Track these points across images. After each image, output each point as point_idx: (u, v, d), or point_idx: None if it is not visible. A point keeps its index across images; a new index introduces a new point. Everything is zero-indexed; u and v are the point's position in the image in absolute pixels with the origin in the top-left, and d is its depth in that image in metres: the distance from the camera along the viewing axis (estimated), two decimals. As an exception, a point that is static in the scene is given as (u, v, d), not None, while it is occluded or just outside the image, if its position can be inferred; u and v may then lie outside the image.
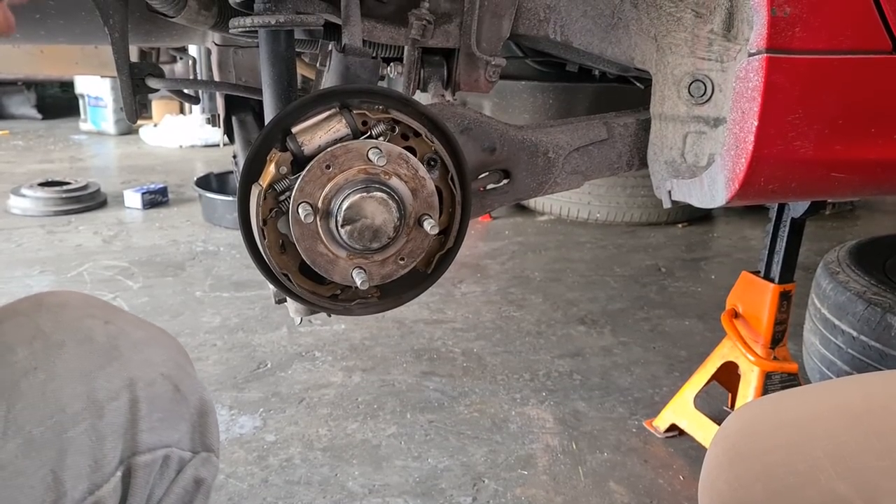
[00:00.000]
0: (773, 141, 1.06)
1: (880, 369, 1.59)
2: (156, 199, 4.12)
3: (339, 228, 0.98)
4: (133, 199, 4.05)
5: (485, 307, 2.54)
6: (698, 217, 3.83)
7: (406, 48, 1.32)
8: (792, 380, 1.49)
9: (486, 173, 1.30)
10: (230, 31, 1.27)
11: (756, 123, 1.04)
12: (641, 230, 3.54)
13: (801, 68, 1.02)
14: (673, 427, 1.67)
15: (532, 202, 3.76)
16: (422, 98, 1.32)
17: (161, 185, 4.23)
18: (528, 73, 1.63)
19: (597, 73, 1.64)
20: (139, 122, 6.35)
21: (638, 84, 1.64)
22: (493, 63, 1.32)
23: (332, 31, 1.29)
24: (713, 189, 1.16)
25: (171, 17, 1.26)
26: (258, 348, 2.14)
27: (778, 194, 1.29)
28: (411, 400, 1.85)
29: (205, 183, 3.93)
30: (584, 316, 2.48)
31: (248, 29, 1.12)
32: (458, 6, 1.28)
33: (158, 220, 3.78)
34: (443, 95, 1.44)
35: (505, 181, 1.33)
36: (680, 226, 3.67)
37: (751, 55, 1.03)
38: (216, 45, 1.66)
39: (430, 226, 1.02)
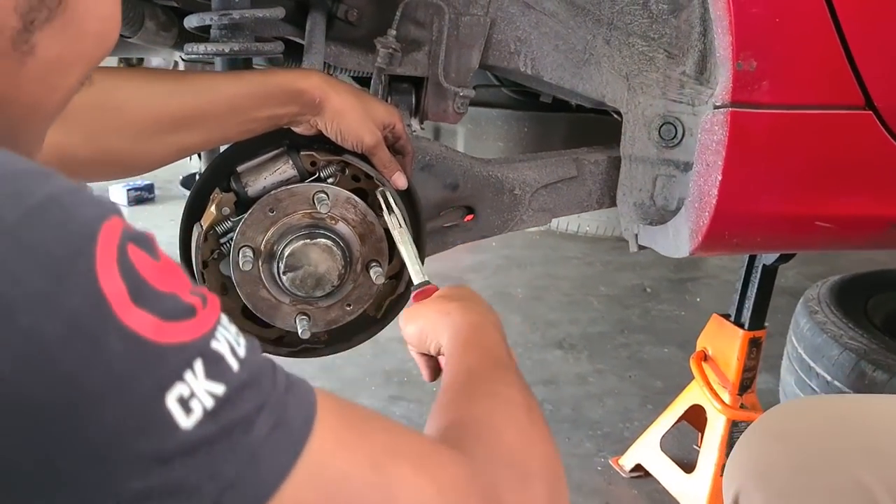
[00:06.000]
0: (737, 196, 1.02)
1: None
2: (142, 195, 4.09)
3: (282, 275, 0.94)
4: (118, 194, 4.01)
5: (462, 326, 2.51)
6: (689, 234, 3.78)
7: (373, 76, 1.28)
8: (759, 428, 1.46)
9: (449, 209, 1.26)
10: (184, 57, 1.22)
11: (720, 178, 1.00)
12: (630, 246, 3.49)
13: (769, 123, 0.99)
14: (639, 467, 1.64)
15: (522, 214, 3.72)
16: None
17: (147, 182, 4.19)
18: (503, 101, 1.59)
19: (573, 102, 1.61)
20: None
21: (615, 115, 1.61)
22: (461, 94, 1.29)
23: (298, 52, 1.25)
24: (677, 240, 1.12)
25: (127, 37, 1.22)
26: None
27: (743, 248, 1.26)
28: (376, 427, 1.81)
29: (190, 182, 3.89)
30: (562, 339, 2.45)
31: (202, 56, 1.08)
32: (427, 34, 1.24)
33: (142, 219, 3.74)
34: (409, 125, 1.40)
35: (468, 218, 1.29)
36: (670, 243, 3.63)
37: (716, 108, 0.99)
38: (183, 59, 1.63)
39: (377, 275, 0.98)
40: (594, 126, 1.56)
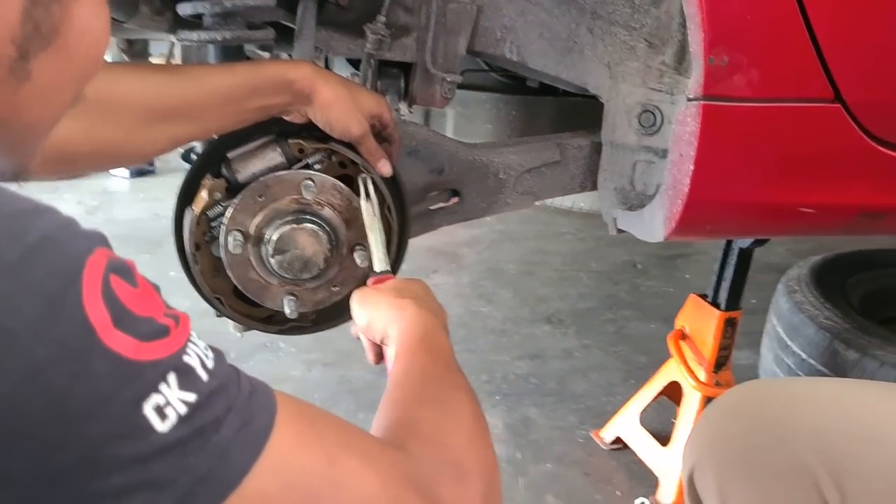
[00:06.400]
0: (709, 185, 1.06)
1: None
2: (143, 167, 4.11)
3: (270, 258, 0.99)
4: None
5: (454, 300, 2.56)
6: (682, 211, 3.81)
7: (362, 61, 1.32)
8: (732, 405, 1.51)
9: (435, 192, 1.30)
10: (178, 41, 1.25)
11: (692, 168, 1.04)
12: (623, 222, 3.52)
13: (740, 116, 1.02)
14: (618, 440, 1.70)
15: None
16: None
17: (147, 154, 4.21)
18: (492, 85, 1.63)
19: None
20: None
21: (601, 99, 1.64)
22: (448, 80, 1.32)
23: (290, 36, 1.28)
24: (652, 225, 1.16)
25: (121, 21, 1.25)
26: (224, 335, 2.13)
27: (716, 233, 1.30)
28: (367, 399, 1.87)
29: (189, 155, 3.91)
30: (551, 314, 2.50)
31: (195, 42, 1.11)
32: (415, 20, 1.27)
33: (143, 191, 3.77)
34: (398, 109, 1.44)
35: (454, 200, 1.33)
36: (662, 219, 3.65)
37: (689, 100, 1.03)
38: (178, 41, 1.65)
39: (361, 258, 1.02)
40: (580, 109, 1.59)
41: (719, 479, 0.75)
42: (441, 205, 1.33)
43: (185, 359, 0.38)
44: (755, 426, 0.76)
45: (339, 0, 1.28)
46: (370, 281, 0.86)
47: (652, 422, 1.72)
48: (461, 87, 1.41)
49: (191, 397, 0.37)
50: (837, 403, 0.76)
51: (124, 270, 0.37)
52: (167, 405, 0.36)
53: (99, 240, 0.37)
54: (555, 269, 2.93)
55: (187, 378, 0.37)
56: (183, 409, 0.36)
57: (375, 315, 0.73)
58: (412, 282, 0.80)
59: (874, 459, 0.70)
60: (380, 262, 0.90)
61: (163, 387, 0.36)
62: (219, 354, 0.41)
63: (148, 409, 0.35)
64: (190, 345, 0.39)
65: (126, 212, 3.35)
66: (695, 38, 0.97)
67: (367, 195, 0.98)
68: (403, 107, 1.45)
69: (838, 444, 0.71)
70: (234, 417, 0.38)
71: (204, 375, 0.38)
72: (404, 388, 0.59)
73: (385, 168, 1.02)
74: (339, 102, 0.95)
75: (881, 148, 1.09)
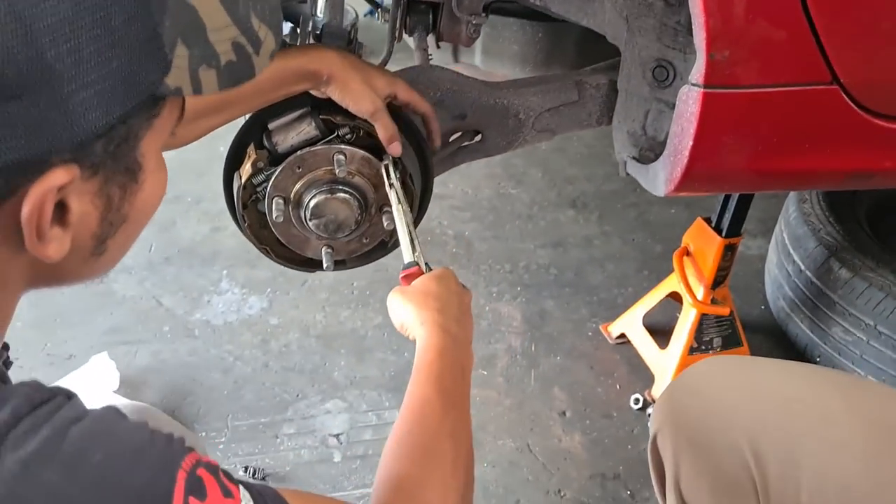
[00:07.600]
0: (706, 157, 1.15)
1: (818, 305, 1.75)
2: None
3: (308, 221, 1.15)
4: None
5: (485, 181, 2.67)
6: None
7: (392, 1, 1.39)
8: (726, 320, 1.67)
9: (458, 136, 1.41)
10: None
11: (691, 143, 1.13)
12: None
13: (739, 101, 1.09)
14: (623, 335, 1.89)
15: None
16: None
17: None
18: (520, 11, 1.64)
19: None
20: None
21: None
22: (473, 22, 1.39)
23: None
24: (656, 182, 1.27)
25: None
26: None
27: (714, 191, 1.40)
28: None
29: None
30: (576, 198, 2.61)
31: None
32: (443, -38, 1.32)
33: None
34: (426, 49, 1.51)
35: (477, 138, 1.44)
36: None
37: (692, 85, 1.09)
38: None
39: (388, 221, 1.17)
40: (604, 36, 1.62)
41: (675, 446, 0.93)
42: (465, 143, 1.44)
43: None
44: (709, 406, 0.92)
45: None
46: (401, 276, 0.95)
47: (657, 315, 1.89)
48: (491, 12, 1.46)
49: None
50: (778, 393, 0.91)
51: (197, 489, 0.48)
52: None
53: (175, 463, 0.48)
54: (586, 144, 2.98)
55: None
56: None
57: (405, 321, 0.86)
58: (438, 280, 0.90)
59: (798, 448, 0.85)
60: (407, 252, 0.99)
61: None
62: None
63: None
64: None
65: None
66: (698, 35, 1.02)
67: (391, 183, 1.09)
68: (431, 42, 1.51)
69: (769, 432, 0.87)
70: None
71: None
72: (403, 429, 0.72)
73: (395, 149, 1.11)
74: (352, 82, 1.06)
75: (876, 120, 1.15)
